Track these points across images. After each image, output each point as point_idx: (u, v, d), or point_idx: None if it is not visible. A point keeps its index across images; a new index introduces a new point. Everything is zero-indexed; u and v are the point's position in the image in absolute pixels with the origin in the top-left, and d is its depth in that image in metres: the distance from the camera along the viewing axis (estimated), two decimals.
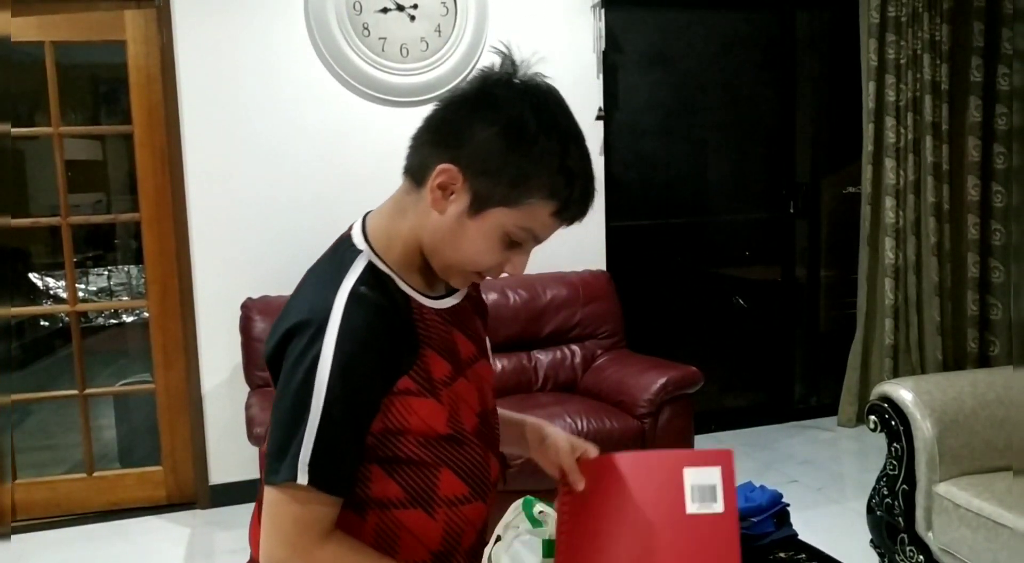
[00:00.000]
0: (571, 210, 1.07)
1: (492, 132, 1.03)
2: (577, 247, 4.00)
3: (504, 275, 1.14)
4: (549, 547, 1.43)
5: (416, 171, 1.09)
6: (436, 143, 1.06)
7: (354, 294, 1.03)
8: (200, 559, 3.24)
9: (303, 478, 1.00)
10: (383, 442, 1.07)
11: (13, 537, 3.47)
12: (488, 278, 1.15)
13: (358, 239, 1.11)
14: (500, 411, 1.33)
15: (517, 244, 1.09)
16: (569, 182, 1.05)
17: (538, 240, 1.10)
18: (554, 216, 1.06)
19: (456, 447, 1.11)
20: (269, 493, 1.03)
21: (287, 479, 1.00)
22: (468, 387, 1.15)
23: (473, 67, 3.69)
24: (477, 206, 1.05)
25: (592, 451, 1.24)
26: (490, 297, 3.61)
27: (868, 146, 4.36)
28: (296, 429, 1.00)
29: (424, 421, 1.07)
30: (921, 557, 2.51)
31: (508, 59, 1.11)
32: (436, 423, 1.08)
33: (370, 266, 1.08)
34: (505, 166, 1.03)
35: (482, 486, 1.16)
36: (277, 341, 1.05)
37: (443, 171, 1.04)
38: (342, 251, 1.11)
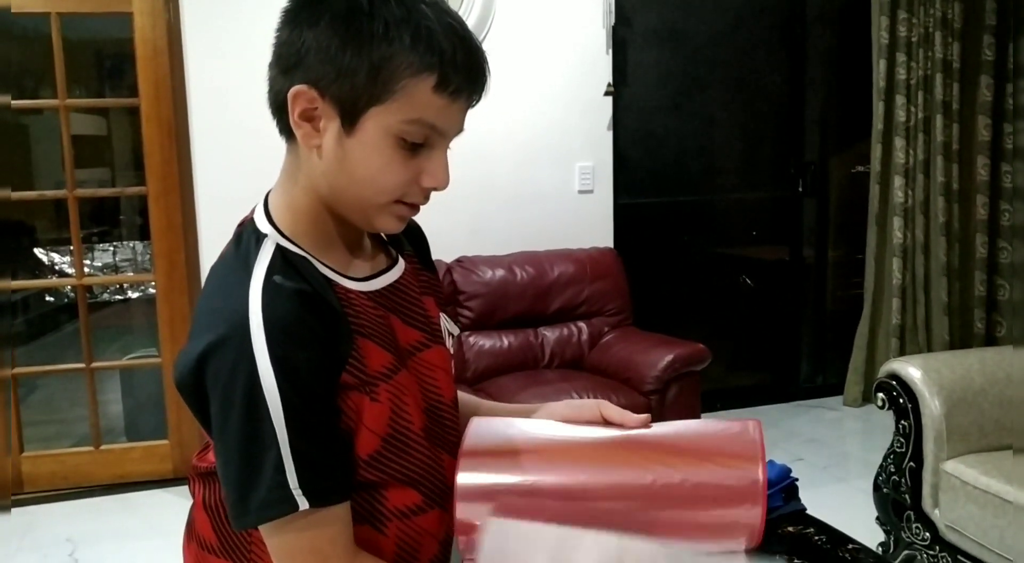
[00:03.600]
0: (454, 76, 0.87)
1: (323, 29, 0.86)
2: (584, 224, 4.00)
3: (434, 193, 0.95)
4: None
5: (281, 120, 0.93)
6: (279, 74, 0.91)
7: (268, 286, 0.87)
8: None
9: (303, 503, 0.85)
10: None
11: (21, 509, 3.49)
12: (420, 205, 0.96)
13: (261, 222, 0.95)
14: (468, 398, 1.18)
15: (419, 146, 0.90)
16: (432, 45, 0.86)
17: (441, 132, 0.91)
18: (437, 92, 0.87)
19: (403, 455, 0.96)
20: (270, 537, 0.88)
21: (282, 513, 0.85)
22: (410, 380, 0.98)
23: (482, 41, 3.65)
24: (349, 118, 0.88)
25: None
26: (497, 274, 3.61)
27: (878, 125, 4.33)
28: (261, 456, 0.84)
29: (365, 426, 0.91)
30: (927, 534, 2.51)
31: None
32: (376, 426, 0.92)
33: (279, 250, 0.92)
34: (353, 58, 0.86)
35: (439, 492, 1.00)
36: (192, 365, 0.86)
37: (296, 96, 0.88)
38: (246, 238, 0.94)
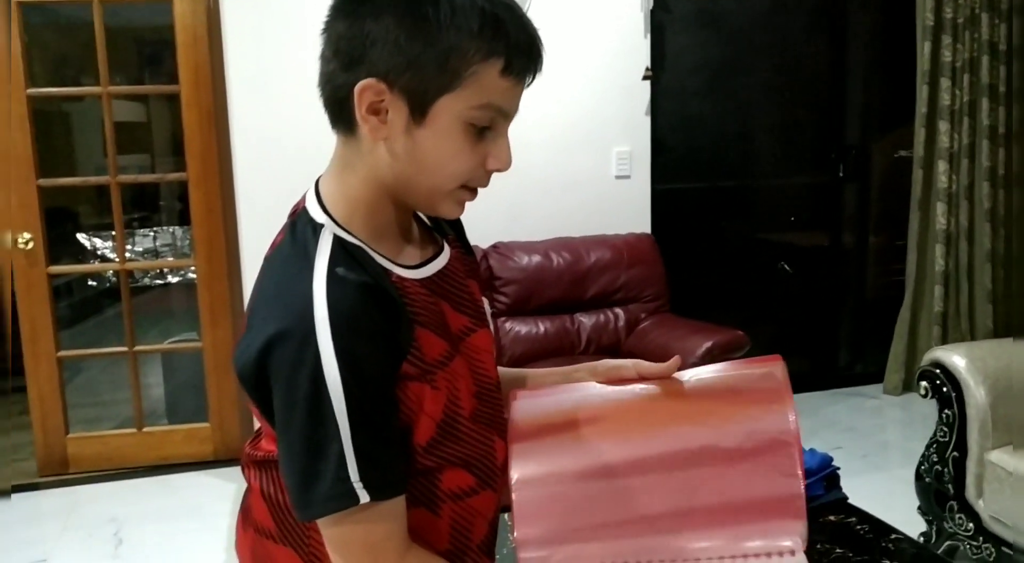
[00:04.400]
0: (519, 59, 0.89)
1: (387, 21, 0.86)
2: (621, 210, 3.97)
3: (496, 174, 0.96)
4: None
5: (339, 114, 0.93)
6: (341, 68, 0.90)
7: (332, 277, 0.87)
8: None
9: (364, 496, 0.86)
10: None
11: (66, 489, 3.57)
12: (480, 189, 0.97)
13: (315, 211, 0.95)
14: (508, 371, 1.19)
15: (486, 129, 0.92)
16: (499, 29, 0.87)
17: (506, 114, 0.92)
18: (504, 75, 0.88)
19: (458, 440, 0.97)
20: (326, 529, 0.90)
21: (344, 506, 0.86)
22: (462, 365, 0.98)
23: None
24: (419, 109, 0.88)
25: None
26: (533, 260, 3.61)
27: (921, 108, 4.25)
28: (325, 448, 0.85)
29: (426, 413, 0.92)
30: (971, 524, 2.48)
31: None
32: (434, 413, 0.93)
33: (337, 241, 0.91)
34: (422, 48, 0.86)
35: (489, 473, 1.02)
36: (255, 357, 0.86)
37: (363, 90, 0.88)
38: (301, 228, 0.94)
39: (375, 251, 0.94)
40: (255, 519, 1.03)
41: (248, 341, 0.88)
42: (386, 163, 0.92)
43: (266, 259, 0.96)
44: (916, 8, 4.20)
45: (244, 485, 1.08)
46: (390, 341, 0.89)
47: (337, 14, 0.91)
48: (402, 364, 0.90)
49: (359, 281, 0.88)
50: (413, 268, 0.98)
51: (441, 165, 0.91)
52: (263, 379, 0.87)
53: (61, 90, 4.53)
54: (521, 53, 0.90)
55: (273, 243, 0.98)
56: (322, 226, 0.93)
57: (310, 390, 0.84)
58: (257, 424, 1.02)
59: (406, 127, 0.90)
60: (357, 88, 0.88)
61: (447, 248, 1.07)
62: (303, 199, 0.99)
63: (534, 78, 0.94)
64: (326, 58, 0.92)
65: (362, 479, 0.86)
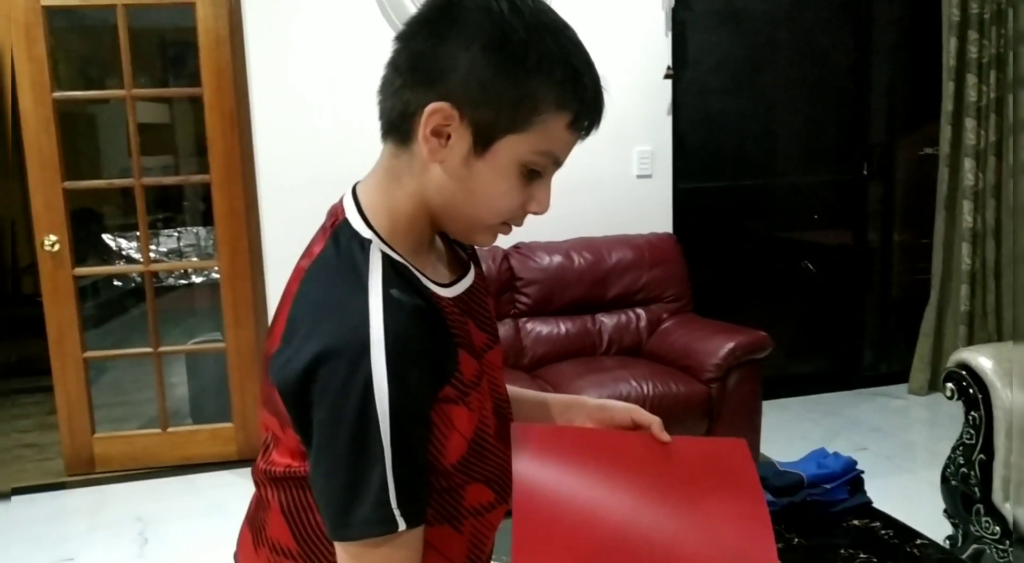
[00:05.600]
0: (587, 116, 0.92)
1: (476, 51, 0.86)
2: (643, 209, 3.96)
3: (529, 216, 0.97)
4: None
5: (398, 126, 0.92)
6: (414, 84, 0.89)
7: (388, 300, 0.86)
8: None
9: (402, 524, 0.85)
10: None
11: (93, 488, 3.61)
12: (514, 227, 0.98)
13: (358, 223, 0.93)
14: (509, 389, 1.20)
15: (536, 174, 0.93)
16: (577, 83, 0.89)
17: (558, 163, 0.94)
18: (571, 128, 0.91)
19: (482, 457, 0.97)
20: (345, 548, 0.87)
21: (384, 531, 0.84)
22: (486, 383, 1.00)
23: None
24: (483, 142, 0.89)
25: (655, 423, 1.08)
26: (554, 260, 3.60)
27: (948, 105, 4.20)
28: (368, 471, 0.84)
29: (460, 434, 0.93)
30: (997, 528, 2.45)
31: None
32: (468, 431, 0.94)
33: (387, 260, 0.91)
34: (504, 86, 0.86)
35: (506, 488, 1.01)
36: (300, 373, 0.85)
37: (434, 112, 0.88)
38: (346, 242, 0.92)
39: (416, 269, 0.94)
40: (271, 537, 1.01)
41: (291, 355, 0.86)
42: (437, 185, 0.92)
43: (306, 271, 0.94)
44: (942, 3, 4.15)
45: None
46: (436, 366, 0.89)
47: (422, 30, 0.90)
48: (444, 387, 0.90)
49: (414, 305, 0.88)
50: (446, 286, 0.98)
51: (490, 200, 0.93)
52: (305, 394, 0.85)
53: (86, 93, 4.58)
54: (589, 111, 0.92)
55: (310, 252, 0.96)
56: (369, 242, 0.92)
57: (358, 411, 0.83)
58: (264, 436, 1.00)
59: (466, 156, 0.90)
60: (429, 108, 0.88)
61: (472, 266, 1.07)
62: (340, 207, 0.98)
63: (589, 135, 0.95)
64: (398, 69, 0.91)
65: (399, 506, 0.85)
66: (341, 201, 0.98)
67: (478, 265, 1.12)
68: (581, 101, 0.90)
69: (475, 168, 0.90)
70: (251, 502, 1.08)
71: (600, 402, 1.13)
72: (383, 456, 0.83)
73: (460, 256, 1.08)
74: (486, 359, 1.02)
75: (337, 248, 0.93)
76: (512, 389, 1.19)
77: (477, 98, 0.87)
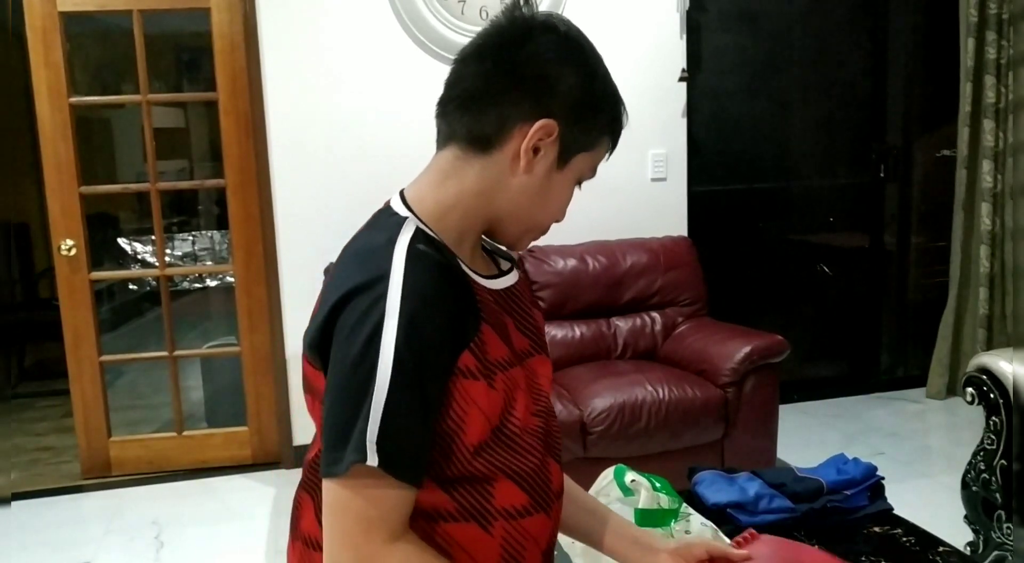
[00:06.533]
0: (616, 142, 1.06)
1: (580, 78, 0.98)
2: (658, 213, 3.94)
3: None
4: (641, 516, 1.42)
5: (486, 133, 0.98)
6: (519, 99, 0.96)
7: (412, 250, 0.91)
8: (285, 517, 3.30)
9: (372, 459, 0.85)
10: (437, 451, 0.94)
11: (109, 492, 3.62)
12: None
13: (399, 207, 1.00)
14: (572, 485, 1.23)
15: (577, 185, 1.06)
16: (621, 120, 1.04)
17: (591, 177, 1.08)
18: (607, 149, 1.06)
19: (511, 450, 0.97)
20: (330, 490, 0.89)
21: (353, 461, 0.85)
22: (523, 378, 1.01)
23: None
24: (565, 157, 1.00)
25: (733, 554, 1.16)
26: (569, 264, 3.59)
27: (965, 107, 4.17)
28: (359, 405, 0.86)
29: (481, 411, 0.93)
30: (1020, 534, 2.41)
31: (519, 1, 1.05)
32: (491, 413, 0.94)
33: (419, 231, 0.96)
34: (592, 112, 1.00)
35: (544, 496, 1.01)
36: (328, 311, 0.90)
37: (542, 128, 0.96)
38: (385, 219, 0.99)
39: (452, 253, 0.98)
40: (303, 530, 1.04)
41: (320, 305, 0.94)
42: (516, 191, 1.00)
43: (345, 247, 1.01)
44: (959, 4, 4.12)
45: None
46: (455, 323, 0.91)
47: (528, 41, 0.98)
48: (463, 353, 0.92)
49: (437, 259, 0.93)
50: (485, 277, 1.03)
51: (557, 207, 1.04)
52: (327, 339, 0.90)
53: (102, 98, 4.61)
54: (618, 139, 1.06)
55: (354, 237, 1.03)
56: (406, 218, 0.98)
57: (364, 346, 0.86)
58: (312, 430, 1.02)
59: (549, 168, 1.00)
60: (541, 123, 0.96)
61: (515, 270, 1.12)
62: (387, 204, 1.04)
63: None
64: (500, 70, 0.97)
65: (378, 442, 0.86)
66: (387, 203, 1.04)
67: (523, 272, 1.16)
68: (616, 131, 1.04)
69: (555, 179, 1.01)
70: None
71: (684, 540, 1.23)
72: (376, 393, 0.86)
73: (499, 264, 1.12)
74: (528, 363, 1.05)
75: (374, 225, 1.00)
76: (596, 504, 1.24)
77: (572, 119, 0.98)
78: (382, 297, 0.87)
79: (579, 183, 1.05)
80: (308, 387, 0.99)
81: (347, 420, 0.86)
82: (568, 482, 1.18)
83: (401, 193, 1.03)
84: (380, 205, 1.05)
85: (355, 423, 0.86)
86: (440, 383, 0.90)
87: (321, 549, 0.96)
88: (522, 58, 0.97)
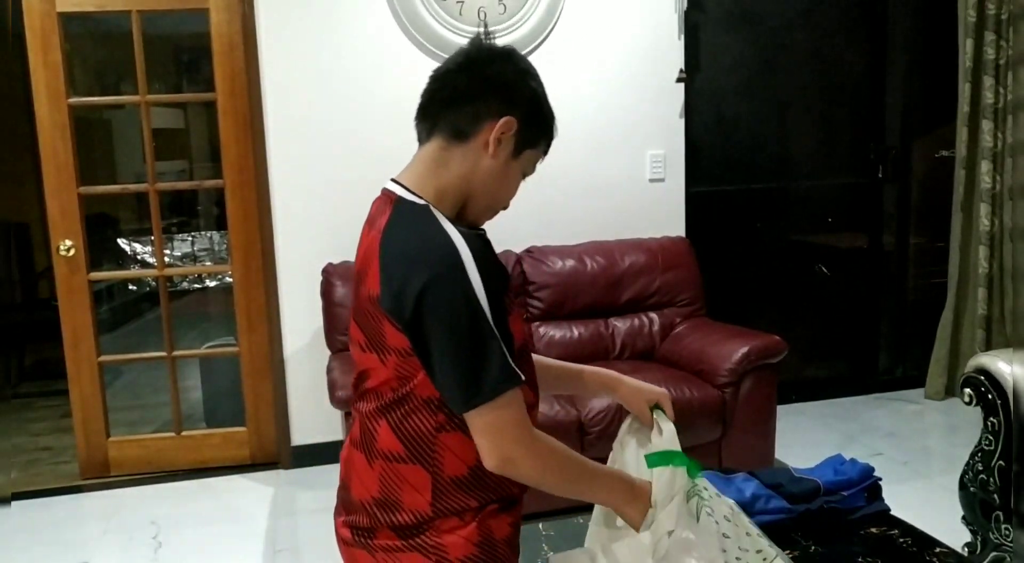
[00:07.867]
0: (550, 143, 1.34)
1: (535, 87, 1.29)
2: (656, 213, 3.94)
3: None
4: (651, 459, 1.41)
5: (464, 126, 1.25)
6: (490, 100, 1.25)
7: (462, 233, 1.18)
8: (283, 517, 3.32)
9: (517, 380, 1.17)
10: None
11: (107, 492, 3.62)
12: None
13: (411, 198, 1.25)
14: (541, 360, 1.53)
15: (523, 177, 1.34)
16: (552, 129, 1.33)
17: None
18: (544, 150, 1.33)
19: (522, 359, 1.25)
20: (482, 413, 1.16)
21: (514, 384, 1.17)
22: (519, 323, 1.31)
23: (551, 30, 3.63)
24: (519, 150, 1.28)
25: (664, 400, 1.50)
26: (567, 264, 3.59)
27: (964, 107, 4.17)
28: (485, 353, 1.15)
29: (515, 334, 1.23)
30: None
31: (484, 29, 1.34)
32: (518, 336, 1.25)
33: (440, 215, 1.23)
34: (541, 118, 1.29)
35: (538, 391, 1.37)
36: (415, 298, 1.14)
37: (508, 122, 1.24)
38: (408, 207, 1.23)
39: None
40: (382, 449, 1.26)
41: (399, 288, 1.16)
42: (484, 172, 1.27)
43: (384, 230, 1.22)
44: (958, 5, 4.12)
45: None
46: (501, 278, 1.23)
47: (506, 62, 1.28)
48: (506, 296, 1.23)
49: (478, 235, 1.24)
50: None
51: (510, 192, 1.32)
52: (419, 315, 1.15)
53: (101, 99, 4.61)
54: (550, 145, 1.35)
55: (378, 223, 1.25)
56: (426, 205, 1.23)
57: (470, 310, 1.14)
58: (355, 379, 1.31)
59: (507, 157, 1.28)
60: (505, 119, 1.24)
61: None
62: (389, 192, 1.28)
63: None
64: (486, 81, 1.26)
65: (511, 369, 1.17)
66: (384, 191, 1.29)
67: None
68: (552, 137, 1.34)
69: (509, 167, 1.29)
70: (352, 435, 1.33)
71: (636, 387, 1.52)
72: (495, 334, 1.16)
73: None
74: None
75: (401, 211, 1.23)
76: (543, 359, 1.54)
77: (528, 120, 1.27)
78: (463, 274, 1.14)
79: (524, 176, 1.33)
80: (376, 345, 1.22)
81: (477, 364, 1.15)
82: (537, 358, 1.48)
83: (400, 183, 1.27)
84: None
85: (487, 365, 1.15)
86: (506, 315, 1.20)
87: (403, 460, 1.24)
88: (492, 72, 1.26)
